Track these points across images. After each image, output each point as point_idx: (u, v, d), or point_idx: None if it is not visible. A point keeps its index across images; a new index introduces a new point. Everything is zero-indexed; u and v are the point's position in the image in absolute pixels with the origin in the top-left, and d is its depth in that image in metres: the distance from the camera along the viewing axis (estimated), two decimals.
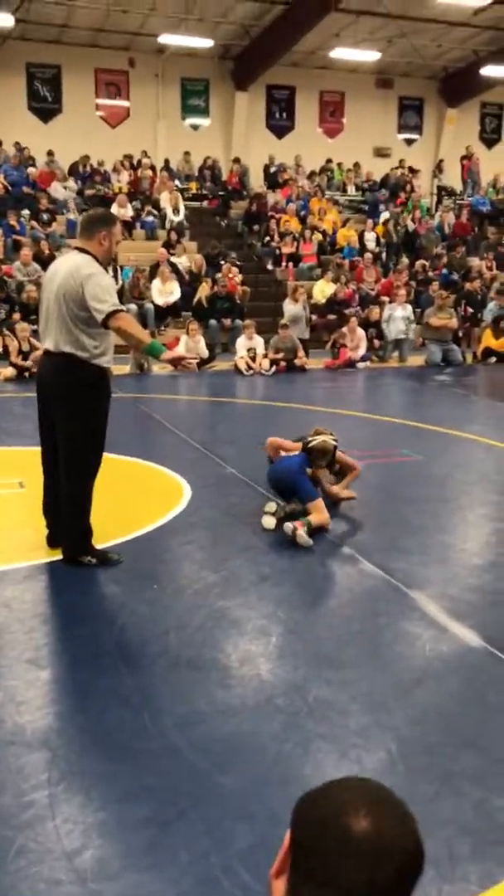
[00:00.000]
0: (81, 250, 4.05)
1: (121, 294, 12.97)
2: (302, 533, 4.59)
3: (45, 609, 3.84)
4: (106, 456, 4.28)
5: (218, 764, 2.55)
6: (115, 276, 13.20)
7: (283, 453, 5.27)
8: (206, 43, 17.13)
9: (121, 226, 5.34)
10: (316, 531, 4.73)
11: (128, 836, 2.25)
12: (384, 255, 16.43)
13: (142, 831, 2.26)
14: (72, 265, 3.98)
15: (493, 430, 8.05)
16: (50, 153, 16.96)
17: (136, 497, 5.62)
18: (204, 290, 13.22)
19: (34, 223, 14.74)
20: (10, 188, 15.80)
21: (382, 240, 16.93)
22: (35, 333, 9.59)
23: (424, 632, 3.58)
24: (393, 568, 4.30)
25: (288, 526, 4.66)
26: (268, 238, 16.36)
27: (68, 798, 2.41)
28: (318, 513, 4.83)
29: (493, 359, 13.38)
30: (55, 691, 3.07)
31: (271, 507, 4.98)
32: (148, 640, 3.43)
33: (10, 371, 10.64)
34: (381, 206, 18.21)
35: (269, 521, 4.86)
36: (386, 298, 14.06)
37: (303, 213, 17.10)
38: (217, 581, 4.10)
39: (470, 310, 14.41)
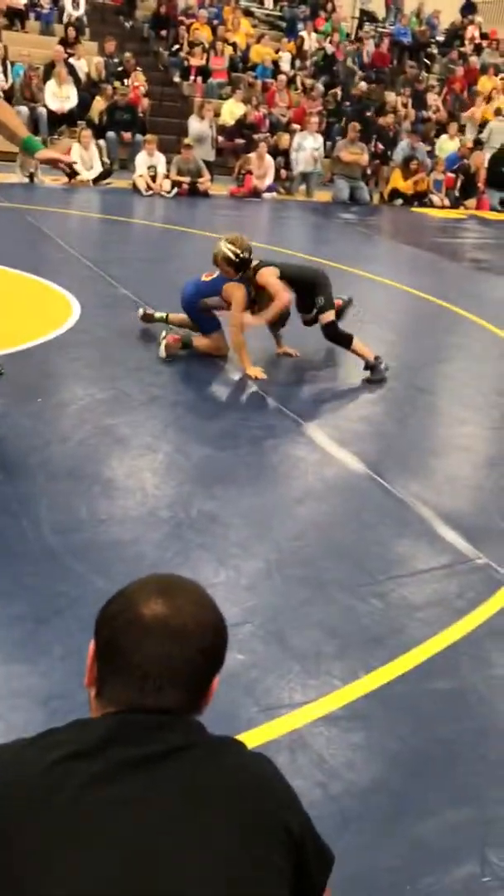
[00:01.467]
0: None
1: (10, 95, 11.76)
2: (164, 343, 4.57)
3: None
4: None
5: (96, 568, 2.55)
6: (5, 73, 11.92)
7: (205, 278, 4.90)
8: None
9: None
10: (206, 357, 4.69)
11: (3, 631, 2.25)
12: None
13: (17, 627, 2.26)
14: None
15: (392, 270, 8.01)
16: None
17: (21, 311, 5.32)
18: (102, 101, 12.14)
19: None
20: None
21: (298, 61, 15.89)
22: None
23: (310, 455, 3.64)
24: (284, 397, 4.29)
25: (162, 333, 4.66)
26: (176, 47, 15.04)
27: None
28: (209, 340, 4.75)
29: (400, 201, 13.16)
30: None
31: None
32: (29, 452, 3.33)
33: None
34: (300, 25, 16.96)
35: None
36: (297, 126, 13.39)
37: (215, 22, 15.71)
38: (105, 399, 3.98)
39: (381, 147, 13.95)
